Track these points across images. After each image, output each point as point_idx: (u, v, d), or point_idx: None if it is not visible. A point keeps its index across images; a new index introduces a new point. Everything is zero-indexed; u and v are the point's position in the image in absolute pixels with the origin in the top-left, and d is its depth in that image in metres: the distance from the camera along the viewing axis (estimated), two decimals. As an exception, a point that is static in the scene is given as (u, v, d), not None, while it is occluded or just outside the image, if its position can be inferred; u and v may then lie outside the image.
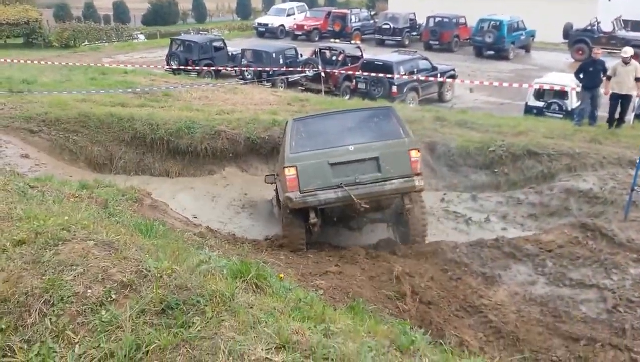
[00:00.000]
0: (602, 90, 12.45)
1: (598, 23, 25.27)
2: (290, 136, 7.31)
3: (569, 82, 15.94)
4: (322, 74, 18.35)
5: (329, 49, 20.89)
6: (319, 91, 18.68)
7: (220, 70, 22.77)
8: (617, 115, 12.32)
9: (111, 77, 18.04)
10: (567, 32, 26.10)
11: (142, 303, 3.07)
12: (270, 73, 20.55)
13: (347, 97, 18.87)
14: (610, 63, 13.07)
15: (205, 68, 21.94)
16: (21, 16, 31.62)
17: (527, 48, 27.66)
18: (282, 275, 4.09)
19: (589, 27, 25.33)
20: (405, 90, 18.24)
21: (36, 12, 32.84)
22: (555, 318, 5.88)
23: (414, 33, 30.40)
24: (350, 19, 30.71)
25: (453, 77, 20.00)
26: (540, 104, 15.93)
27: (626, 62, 11.74)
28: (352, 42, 24.48)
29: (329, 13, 32.35)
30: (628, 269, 6.26)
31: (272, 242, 7.82)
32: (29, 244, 3.75)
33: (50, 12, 38.38)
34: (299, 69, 20.04)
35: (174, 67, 21.69)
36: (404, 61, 18.58)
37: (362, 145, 7.18)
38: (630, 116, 12.93)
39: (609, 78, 12.11)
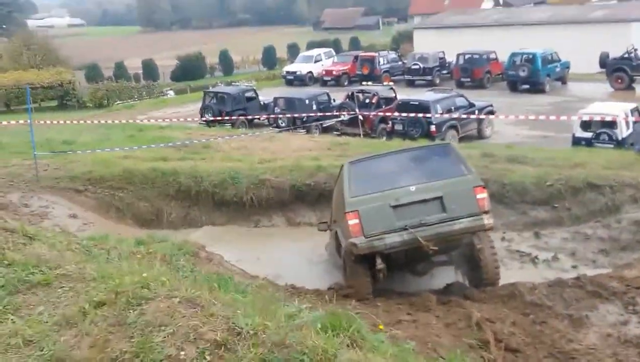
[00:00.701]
0: None
1: (635, 50, 24.95)
2: (348, 180, 7.15)
3: (617, 110, 15.62)
4: (360, 117, 18.31)
5: (362, 92, 21.02)
6: (355, 135, 18.70)
7: (253, 120, 23.02)
8: None
9: (149, 133, 18.34)
10: (604, 61, 25.83)
11: (241, 364, 2.87)
12: (304, 119, 20.71)
13: (384, 138, 18.79)
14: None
15: (240, 118, 22.20)
16: (55, 79, 32.82)
17: (563, 80, 27.43)
18: (381, 325, 3.83)
19: (627, 55, 25.00)
20: (444, 128, 18.14)
21: (70, 74, 34.08)
22: None
23: (444, 72, 30.52)
24: (379, 62, 31.06)
25: (492, 112, 19.80)
26: (588, 135, 15.59)
27: None
28: (385, 83, 24.62)
29: (356, 57, 32.80)
30: None
31: (336, 291, 7.54)
32: (110, 305, 3.63)
33: (82, 73, 39.81)
34: (333, 113, 20.13)
35: (209, 119, 22.01)
36: (440, 100, 18.54)
37: (423, 186, 6.97)
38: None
39: None
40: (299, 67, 34.11)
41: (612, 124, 15.28)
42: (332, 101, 22.10)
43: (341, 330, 3.50)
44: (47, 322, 3.48)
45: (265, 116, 22.98)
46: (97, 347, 3.17)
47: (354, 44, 53.40)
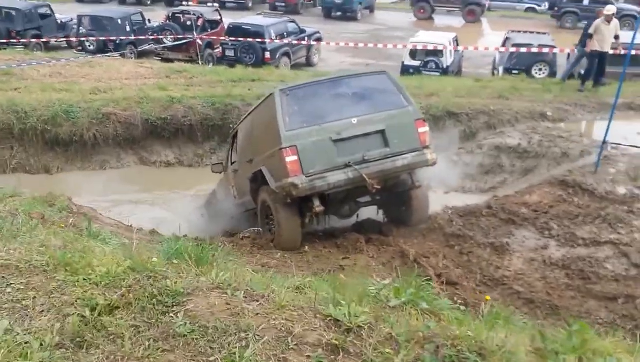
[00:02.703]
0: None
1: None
2: (281, 110, 6.25)
3: (442, 40, 16.68)
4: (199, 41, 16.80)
5: (184, 12, 19.16)
6: (181, 60, 17.14)
7: (49, 42, 19.70)
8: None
9: None
10: (409, -9, 27.35)
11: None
12: (117, 42, 18.33)
13: (211, 65, 17.58)
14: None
15: (33, 40, 18.79)
16: None
17: (371, 8, 28.52)
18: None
19: (429, -14, 26.79)
20: (277, 55, 17.60)
21: None
22: (584, 280, 6.00)
23: (257, -6, 29.48)
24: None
25: (319, 39, 19.75)
26: (417, 63, 16.46)
27: (608, 20, 12.05)
28: (210, 4, 22.81)
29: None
30: (631, 222, 6.60)
31: (253, 240, 6.79)
32: (125, 307, 2.62)
33: None
34: (152, 37, 18.15)
35: (-7, 40, 18.22)
36: (274, 24, 17.88)
37: (365, 117, 6.34)
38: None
39: (590, 36, 12.27)
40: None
41: (438, 53, 16.27)
42: (146, 21, 19.86)
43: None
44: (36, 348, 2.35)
45: (64, 37, 19.86)
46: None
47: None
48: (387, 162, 6.28)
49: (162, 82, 12.38)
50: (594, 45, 12.04)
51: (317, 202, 6.29)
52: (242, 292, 2.73)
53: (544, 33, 17.89)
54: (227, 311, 2.56)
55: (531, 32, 17.93)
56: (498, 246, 6.61)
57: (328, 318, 2.57)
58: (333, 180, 6.13)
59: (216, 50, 18.41)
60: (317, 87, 6.68)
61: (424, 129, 6.56)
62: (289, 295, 2.81)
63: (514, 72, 15.95)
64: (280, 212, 6.43)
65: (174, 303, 2.63)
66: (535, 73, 15.93)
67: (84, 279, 2.87)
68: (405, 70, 16.51)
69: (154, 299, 2.65)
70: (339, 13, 26.98)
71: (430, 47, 16.32)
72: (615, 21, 11.92)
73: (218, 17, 19.55)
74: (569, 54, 16.74)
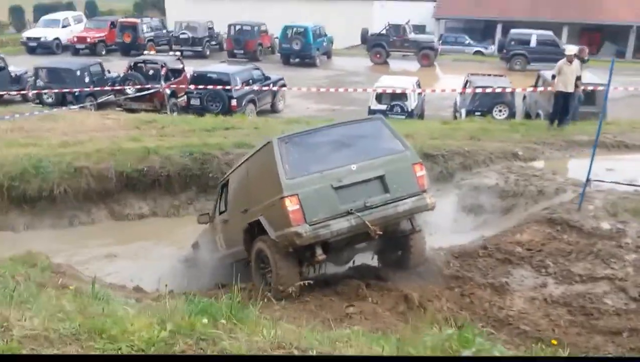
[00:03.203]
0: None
1: (390, 28, 27.64)
2: (280, 159, 6.15)
3: (406, 83, 17.08)
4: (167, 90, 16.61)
5: (146, 62, 18.99)
6: (144, 111, 16.89)
7: (2, 96, 19.06)
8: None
9: None
10: (365, 37, 28.05)
11: None
12: (76, 94, 17.94)
13: (175, 114, 17.38)
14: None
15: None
16: None
17: (328, 54, 29.05)
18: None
19: (384, 32, 27.57)
20: (244, 102, 17.59)
21: None
22: (587, 316, 6.03)
23: (214, 43, 29.62)
24: (142, 29, 28.57)
25: (284, 85, 19.88)
26: (383, 107, 16.70)
27: (570, 60, 12.43)
28: (171, 53, 22.68)
29: (113, 23, 29.67)
30: (622, 256, 6.73)
31: (249, 292, 6.54)
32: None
33: None
34: (116, 88, 17.88)
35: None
36: (239, 71, 17.95)
37: (364, 164, 6.30)
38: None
39: (553, 77, 12.76)
40: (44, 32, 29.39)
41: (403, 96, 16.62)
42: (106, 72, 19.56)
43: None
44: None
45: (17, 92, 19.29)
46: None
47: (90, 8, 47.97)
48: (389, 208, 6.26)
49: (134, 134, 12.12)
50: (557, 86, 12.55)
51: (319, 251, 6.19)
52: (313, 351, 2.56)
53: (501, 76, 18.59)
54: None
55: (489, 75, 18.62)
56: (498, 286, 6.63)
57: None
58: (336, 228, 6.04)
59: (181, 99, 18.27)
60: (314, 135, 6.65)
61: (422, 172, 6.58)
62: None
63: (476, 113, 16.42)
64: (279, 262, 6.26)
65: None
66: (496, 114, 16.43)
67: (128, 346, 2.65)
68: (372, 114, 16.72)
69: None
70: (297, 60, 27.36)
71: (397, 91, 16.64)
72: (576, 62, 12.46)
73: (181, 65, 19.47)
74: (524, 96, 17.50)
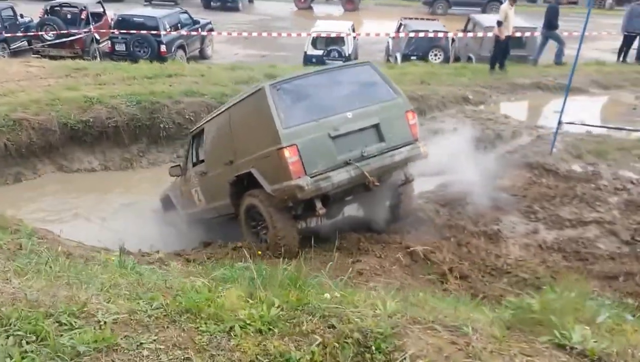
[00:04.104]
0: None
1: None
2: (275, 106, 5.76)
3: (342, 28, 16.90)
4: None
5: (63, 5, 17.41)
6: (64, 57, 15.65)
7: None
8: None
9: None
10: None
11: None
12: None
13: (98, 60, 16.27)
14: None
15: None
16: None
17: (250, -2, 28.07)
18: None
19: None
20: (173, 48, 16.70)
21: None
22: (583, 261, 6.18)
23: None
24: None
25: (212, 30, 19.07)
26: (319, 52, 16.49)
27: (512, 4, 12.69)
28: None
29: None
30: (606, 199, 7.12)
31: (249, 249, 6.27)
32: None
33: None
34: (32, 33, 16.35)
35: None
36: (167, 15, 16.95)
37: (359, 111, 5.99)
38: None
39: (499, 23, 12.87)
40: None
41: (340, 41, 16.45)
42: (19, 17, 17.81)
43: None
44: None
45: None
46: None
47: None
48: (386, 158, 6.10)
49: (69, 82, 11.22)
50: (504, 31, 12.88)
51: (319, 205, 5.92)
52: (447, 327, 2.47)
53: (433, 20, 18.83)
54: (460, 353, 2.31)
55: (422, 19, 18.80)
56: (491, 233, 6.64)
57: (570, 349, 2.40)
58: (337, 180, 5.79)
59: (103, 44, 17.07)
60: (305, 80, 6.33)
61: (414, 120, 6.43)
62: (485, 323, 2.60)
63: (412, 58, 16.63)
64: (275, 217, 6.00)
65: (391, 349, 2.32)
66: (432, 58, 16.74)
67: (242, 328, 2.45)
68: (308, 59, 16.49)
69: (365, 348, 2.32)
70: (218, 3, 26.24)
71: (333, 35, 16.44)
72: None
73: (102, 9, 18.06)
74: (453, 39, 17.87)
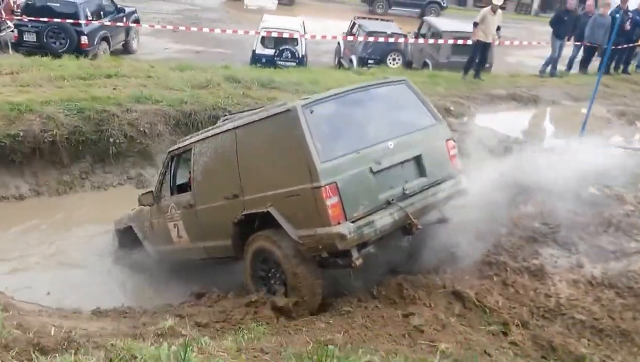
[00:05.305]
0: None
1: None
2: (309, 134, 4.86)
3: (295, 25, 15.94)
4: None
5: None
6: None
7: None
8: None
9: None
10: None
11: None
12: None
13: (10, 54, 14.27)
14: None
15: None
16: None
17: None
18: None
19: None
20: (96, 40, 14.95)
21: None
22: (637, 297, 5.73)
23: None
24: None
25: (137, 21, 17.43)
26: (270, 52, 15.46)
27: (494, 10, 12.33)
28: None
29: None
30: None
31: (256, 306, 5.25)
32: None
33: None
34: None
35: None
36: (88, 1, 15.01)
37: (400, 140, 5.33)
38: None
39: (475, 25, 12.58)
40: None
41: (292, 40, 15.49)
42: None
43: None
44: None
45: None
46: None
47: None
48: (429, 196, 5.51)
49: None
50: (479, 35, 12.57)
51: (356, 255, 5.09)
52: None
53: (389, 21, 18.23)
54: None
55: (377, 19, 18.18)
56: (534, 269, 6.08)
57: None
58: (380, 224, 5.08)
59: (5, 33, 14.98)
60: (339, 100, 5.39)
61: (455, 150, 5.89)
62: None
63: (369, 62, 15.98)
64: (298, 267, 5.17)
65: None
66: (390, 63, 16.16)
67: None
68: (258, 59, 15.37)
69: None
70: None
71: (286, 34, 15.41)
72: (499, 12, 12.52)
73: (4, -9, 15.87)
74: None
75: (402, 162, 5.35)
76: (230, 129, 5.62)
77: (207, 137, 5.96)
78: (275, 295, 5.40)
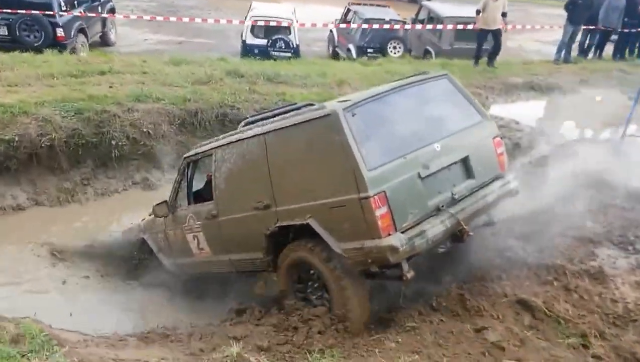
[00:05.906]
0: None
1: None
2: (353, 140, 4.56)
3: (287, 14, 15.46)
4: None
5: None
6: None
7: None
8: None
9: None
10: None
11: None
12: None
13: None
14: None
15: None
16: None
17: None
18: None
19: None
20: (73, 32, 14.18)
21: None
22: None
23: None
24: None
25: (113, 10, 16.71)
26: (262, 42, 14.91)
27: None
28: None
29: None
30: None
31: (331, 320, 4.94)
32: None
33: None
34: None
35: None
36: (63, -10, 14.21)
37: (447, 141, 5.09)
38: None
39: (478, 13, 12.38)
40: None
41: (284, 29, 15.00)
42: None
43: None
44: None
45: None
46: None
47: None
48: (479, 200, 5.26)
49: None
50: (479, 22, 12.46)
51: (406, 267, 4.79)
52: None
53: (385, 6, 17.74)
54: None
55: (372, 5, 17.72)
56: (594, 272, 5.85)
57: None
58: (432, 234, 4.79)
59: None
60: (381, 101, 5.07)
61: (502, 148, 5.63)
62: None
63: (369, 51, 15.56)
64: (348, 282, 4.90)
65: None
66: (391, 52, 15.74)
67: None
68: (249, 50, 14.78)
69: None
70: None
71: (278, 22, 14.92)
72: None
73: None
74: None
75: (449, 165, 5.11)
76: (258, 134, 5.24)
77: (231, 141, 5.57)
78: (316, 309, 5.12)
